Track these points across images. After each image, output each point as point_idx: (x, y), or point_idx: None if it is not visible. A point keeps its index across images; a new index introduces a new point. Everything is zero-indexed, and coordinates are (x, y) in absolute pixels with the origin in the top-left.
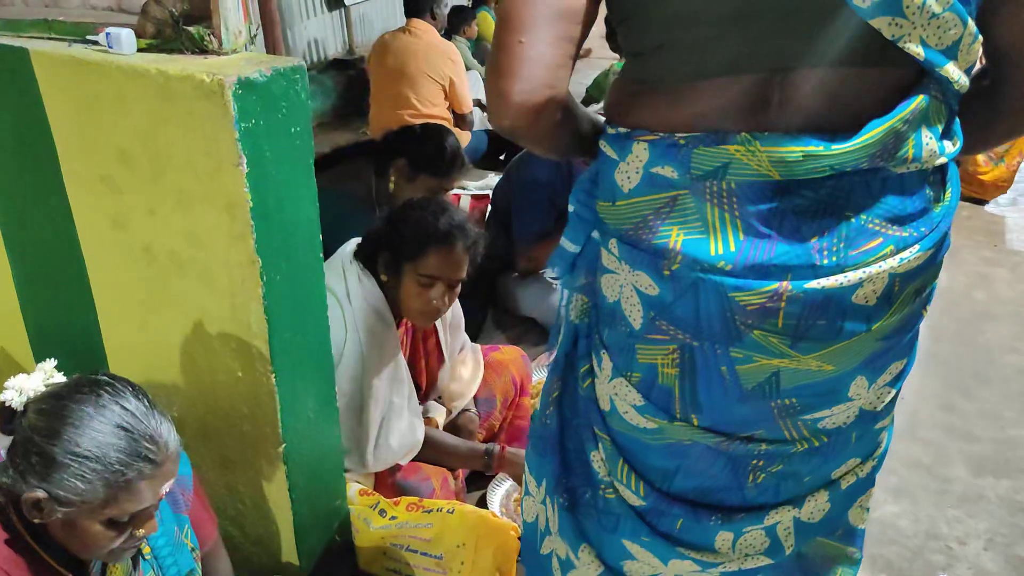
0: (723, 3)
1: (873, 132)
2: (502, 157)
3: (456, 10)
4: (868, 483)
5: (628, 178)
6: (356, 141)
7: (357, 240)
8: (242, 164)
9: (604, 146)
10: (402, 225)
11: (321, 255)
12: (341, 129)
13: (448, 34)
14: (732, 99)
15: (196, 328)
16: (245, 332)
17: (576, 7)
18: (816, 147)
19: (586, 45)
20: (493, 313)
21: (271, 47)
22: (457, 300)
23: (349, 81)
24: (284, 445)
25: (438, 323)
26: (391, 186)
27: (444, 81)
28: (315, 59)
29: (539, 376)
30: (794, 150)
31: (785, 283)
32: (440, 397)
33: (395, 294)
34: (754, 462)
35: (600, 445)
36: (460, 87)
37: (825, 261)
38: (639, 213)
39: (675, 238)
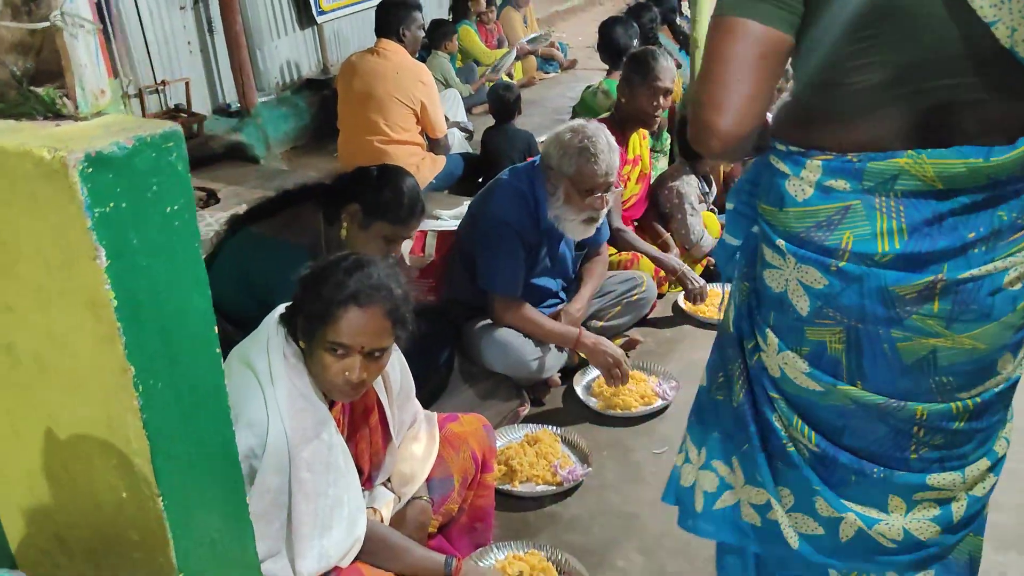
0: (902, 52)
1: None
2: (480, 180)
3: (436, 24)
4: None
5: (801, 190)
6: (303, 183)
7: (287, 304)
8: (99, 257)
9: (775, 161)
10: (312, 284)
11: (218, 351)
12: (315, 153)
13: (428, 48)
14: (901, 127)
15: (72, 441)
16: (125, 447)
17: (781, 49)
18: (976, 159)
19: (571, 56)
20: (460, 363)
21: (236, 70)
22: (404, 364)
23: (324, 102)
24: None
25: (382, 394)
26: (343, 234)
27: (415, 105)
28: (288, 79)
29: (508, 439)
30: (956, 162)
31: (941, 275)
32: (389, 480)
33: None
34: (915, 430)
35: (776, 406)
36: (432, 111)
37: (976, 251)
38: (813, 220)
39: (846, 240)
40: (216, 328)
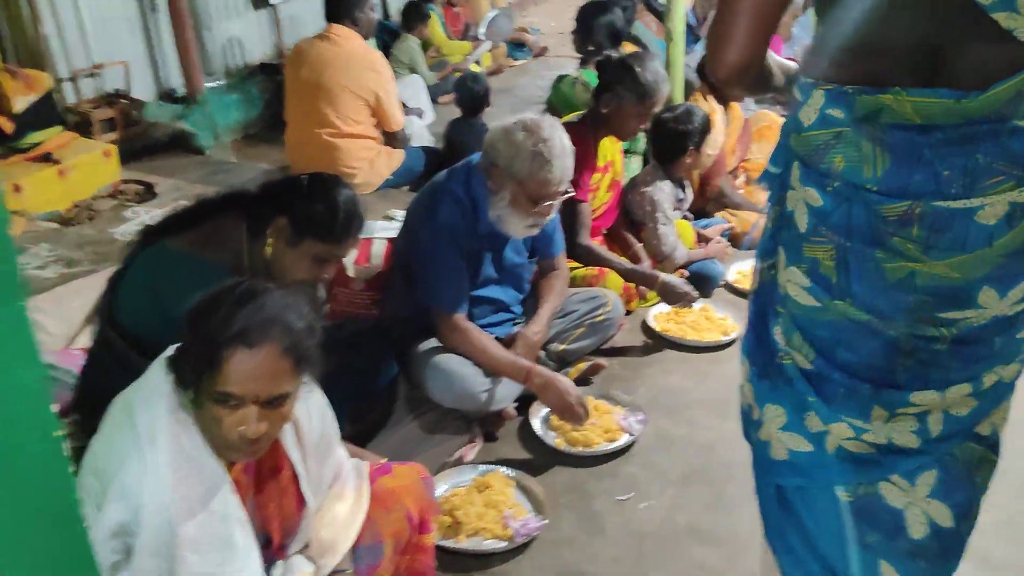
0: None
1: (998, 90)
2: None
3: (412, 6)
4: (1010, 388)
5: (807, 116)
6: (226, 192)
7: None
8: None
9: (795, 91)
10: (197, 321)
11: (58, 437)
12: (267, 143)
13: (396, 32)
14: (892, 63)
15: None
16: None
17: (782, 6)
18: (949, 99)
19: (542, 44)
20: (406, 389)
21: (182, 53)
22: (326, 407)
23: (277, 88)
24: None
25: (292, 448)
26: (267, 252)
27: (368, 96)
28: (238, 63)
29: (455, 482)
30: (932, 101)
31: (919, 201)
32: (308, 546)
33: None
34: (901, 344)
35: (780, 319)
36: (388, 102)
37: (953, 190)
38: (814, 143)
39: (838, 163)
40: (54, 407)
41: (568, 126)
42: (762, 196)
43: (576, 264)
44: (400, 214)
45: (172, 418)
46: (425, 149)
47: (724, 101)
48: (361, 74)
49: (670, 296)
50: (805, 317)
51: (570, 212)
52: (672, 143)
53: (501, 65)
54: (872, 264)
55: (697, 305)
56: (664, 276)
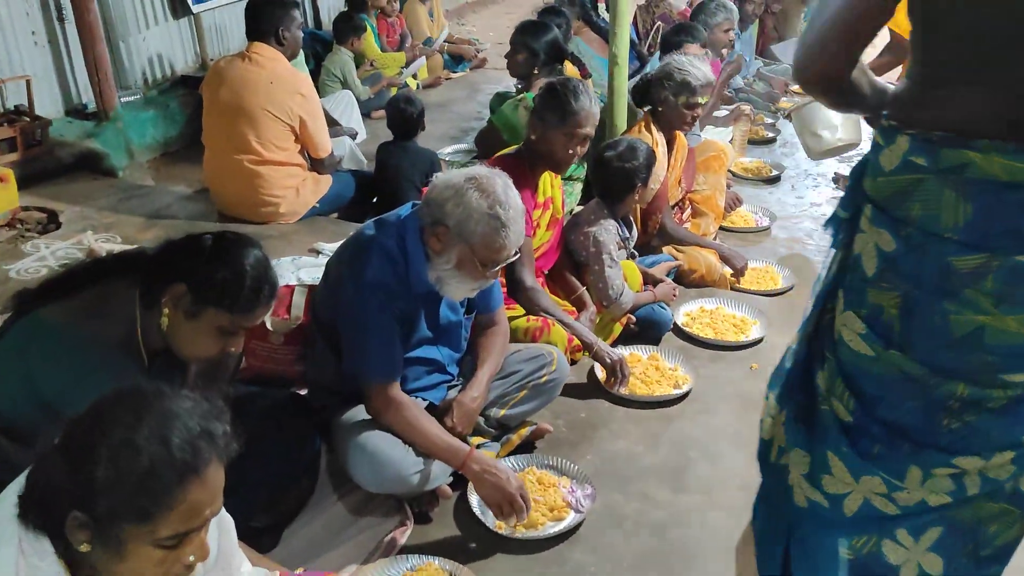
0: (997, 33)
1: None
2: (376, 201)
3: (344, 17)
4: None
5: (890, 161)
6: (118, 253)
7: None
8: None
9: (876, 135)
10: (86, 463)
11: None
12: (188, 162)
13: (329, 44)
14: (983, 113)
15: None
16: None
17: (875, 25)
18: None
19: (481, 55)
20: (329, 463)
21: (91, 67)
22: (223, 518)
23: (200, 102)
24: None
25: None
26: (163, 323)
27: (292, 120)
28: (158, 76)
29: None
30: (1022, 166)
31: (996, 254)
32: None
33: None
34: (951, 404)
35: (826, 365)
36: (314, 127)
37: None
38: (893, 188)
39: (916, 210)
40: None
41: (504, 160)
42: (710, 228)
43: (518, 312)
44: (328, 247)
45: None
46: (355, 173)
47: (668, 130)
48: (285, 97)
49: (603, 366)
50: (854, 365)
51: None
52: (617, 181)
53: (439, 77)
54: (939, 316)
55: (646, 353)
56: (599, 346)
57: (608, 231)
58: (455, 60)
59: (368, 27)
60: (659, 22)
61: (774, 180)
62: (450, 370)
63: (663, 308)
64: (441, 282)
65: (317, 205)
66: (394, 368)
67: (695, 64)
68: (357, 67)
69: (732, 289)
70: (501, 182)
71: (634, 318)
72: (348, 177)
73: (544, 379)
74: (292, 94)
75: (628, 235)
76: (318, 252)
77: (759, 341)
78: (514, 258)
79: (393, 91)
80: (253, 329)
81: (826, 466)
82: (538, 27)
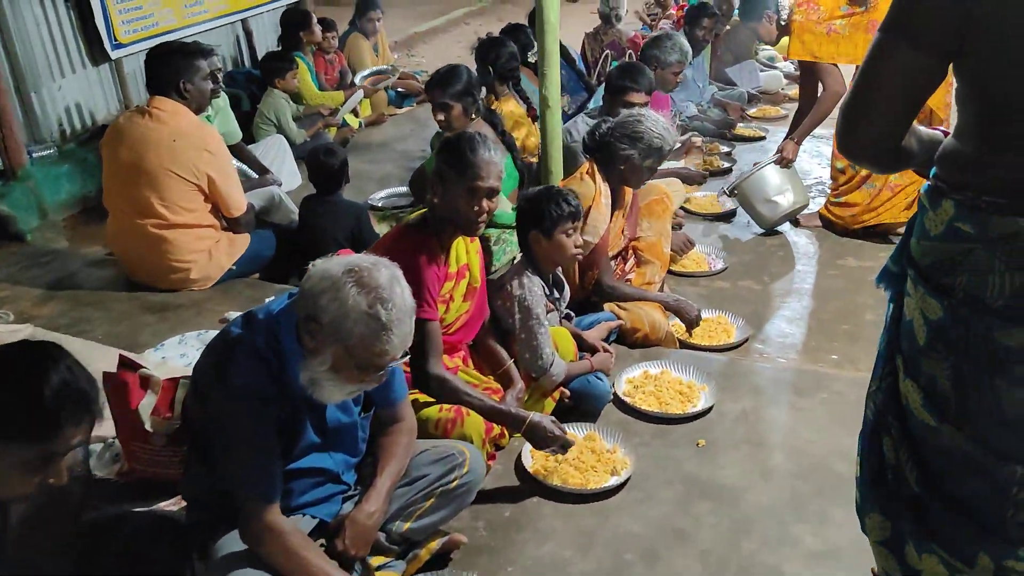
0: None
1: None
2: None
3: (271, 57)
4: None
5: (935, 226)
6: None
7: None
8: None
9: (922, 195)
10: None
11: None
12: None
13: (263, 85)
14: None
15: None
16: None
17: (923, 74)
18: None
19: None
20: None
21: None
22: None
23: None
24: None
25: None
26: None
27: (199, 179)
28: (77, 127)
29: None
30: None
31: None
32: None
33: None
34: (1014, 491)
35: (892, 431)
36: (225, 185)
37: None
38: (938, 255)
39: (961, 280)
40: None
41: (407, 232)
42: (656, 278)
43: (428, 398)
44: (233, 316)
45: None
46: (276, 229)
47: (617, 183)
48: (190, 155)
49: (538, 441)
50: (918, 435)
51: (417, 335)
52: (544, 223)
53: (382, 115)
54: (990, 392)
55: (582, 432)
56: (533, 418)
57: (534, 292)
58: (400, 96)
59: (303, 65)
60: (608, 50)
61: (729, 216)
62: (345, 478)
63: (600, 379)
64: (315, 384)
65: (233, 267)
66: (271, 487)
67: (668, 129)
68: (297, 107)
69: (682, 346)
70: (387, 274)
71: (568, 391)
72: (268, 234)
73: (455, 484)
74: (198, 151)
75: (558, 295)
76: (227, 321)
77: (707, 411)
78: (400, 361)
79: (332, 132)
80: (132, 430)
81: (903, 538)
82: (453, 76)
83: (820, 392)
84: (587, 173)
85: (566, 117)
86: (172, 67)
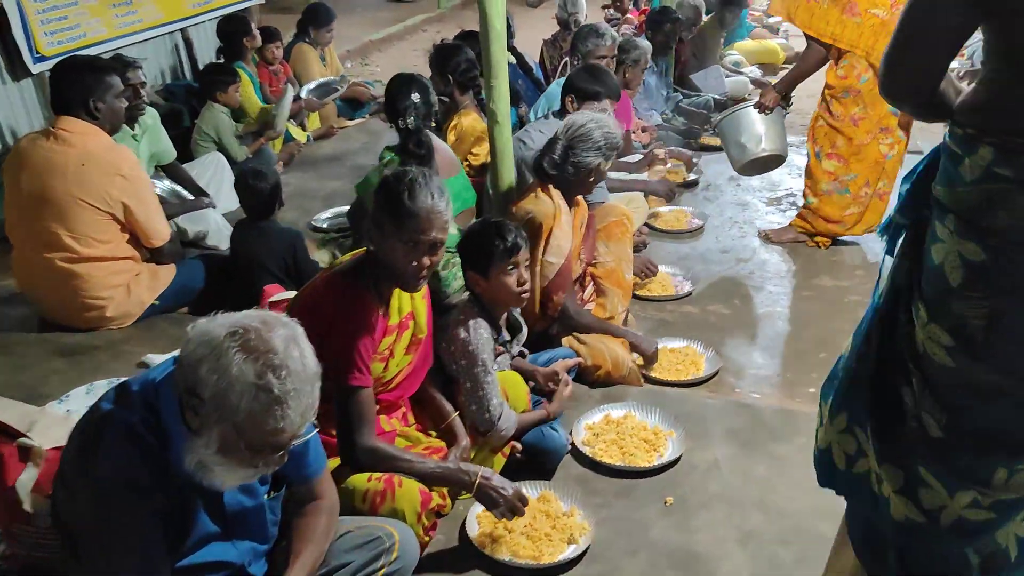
0: None
1: None
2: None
3: (209, 69)
4: None
5: (971, 172)
6: None
7: None
8: None
9: (952, 144)
10: None
11: None
12: None
13: (203, 98)
14: None
15: None
16: None
17: (958, 39)
18: None
19: (381, 98)
20: None
21: None
22: None
23: None
24: None
25: None
26: None
27: (112, 208)
28: None
29: None
30: None
31: None
32: None
33: None
34: None
35: (913, 380)
36: (143, 212)
37: None
38: (975, 198)
39: (1002, 220)
40: None
41: (340, 279)
42: (617, 308)
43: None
44: (156, 359)
45: None
46: (206, 258)
47: (569, 195)
48: (101, 181)
49: (488, 503)
50: (942, 378)
51: (344, 402)
52: (480, 263)
53: (332, 127)
54: None
55: (535, 491)
56: (483, 473)
57: (480, 336)
58: (351, 106)
59: (245, 77)
60: (567, 57)
61: (697, 233)
62: (253, 570)
63: (556, 430)
64: (203, 469)
65: (156, 303)
66: None
67: (610, 119)
68: (238, 122)
69: (647, 381)
70: (283, 335)
71: (519, 445)
72: (196, 264)
73: (382, 571)
74: (109, 176)
75: (509, 338)
76: (147, 367)
77: (675, 462)
78: (303, 439)
79: (277, 146)
80: (10, 509)
81: (921, 480)
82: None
83: (798, 436)
84: (542, 190)
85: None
86: (80, 83)
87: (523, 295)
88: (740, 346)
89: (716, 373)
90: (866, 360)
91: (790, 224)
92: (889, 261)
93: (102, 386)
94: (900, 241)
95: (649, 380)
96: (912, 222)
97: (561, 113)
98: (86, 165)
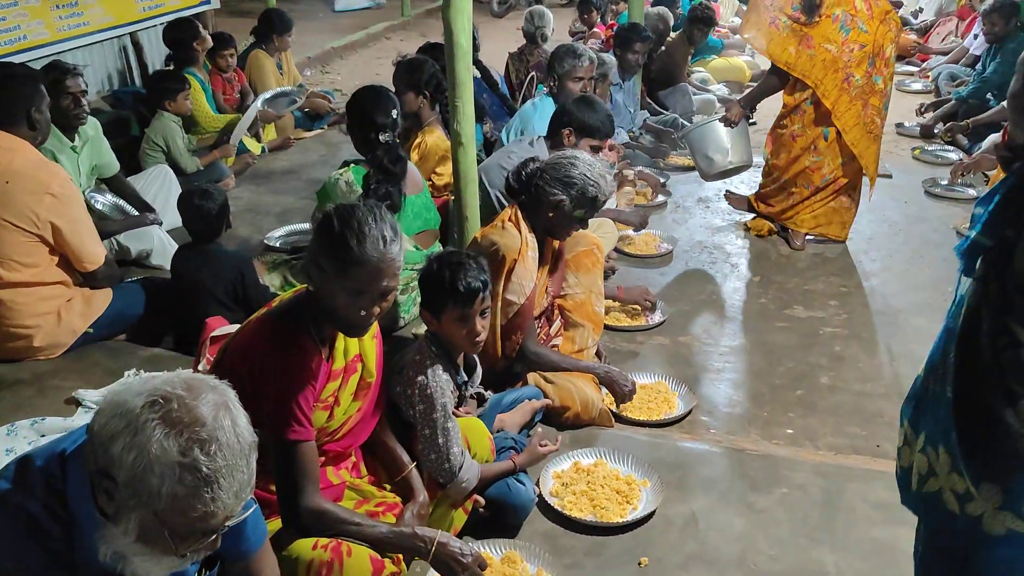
0: None
1: None
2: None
3: (157, 77)
4: None
5: None
6: None
7: None
8: None
9: None
10: None
11: None
12: None
13: (152, 107)
14: None
15: None
16: None
17: None
18: None
19: (341, 110)
20: None
21: None
22: None
23: None
24: None
25: None
26: None
27: (40, 229)
28: None
29: None
30: None
31: None
32: None
33: None
34: None
35: (1020, 403)
36: (73, 233)
37: None
38: None
39: None
40: None
41: (277, 321)
42: (588, 343)
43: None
44: (93, 397)
45: None
46: (146, 282)
47: (542, 232)
48: (26, 200)
49: (445, 572)
50: None
51: (284, 458)
52: (433, 302)
53: (288, 138)
54: None
55: (498, 552)
56: (439, 539)
57: (439, 378)
58: (309, 117)
59: (197, 84)
60: (534, 71)
61: (666, 256)
62: None
63: (522, 483)
64: (122, 560)
65: (90, 330)
66: None
67: (605, 176)
68: (189, 132)
69: (618, 420)
70: (211, 401)
71: (482, 499)
72: (134, 288)
73: None
74: (37, 195)
75: (467, 378)
76: (79, 403)
77: (649, 517)
78: (237, 519)
79: (229, 161)
80: None
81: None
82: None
83: (779, 486)
84: (510, 220)
85: (488, 145)
86: (18, 94)
87: (477, 343)
88: (714, 382)
89: (690, 412)
90: (941, 379)
91: (747, 196)
92: (966, 282)
93: (24, 427)
94: (978, 262)
95: (620, 420)
96: (996, 243)
97: (556, 145)
98: (11, 183)
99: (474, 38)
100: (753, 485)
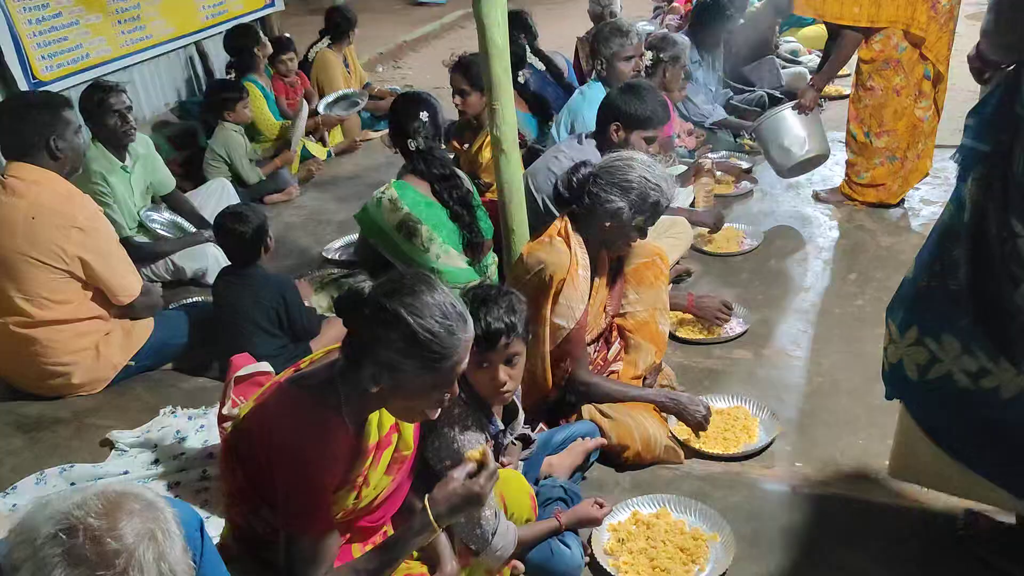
0: None
1: None
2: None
3: (217, 87)
4: None
5: None
6: None
7: None
8: None
9: None
10: None
11: None
12: None
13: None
14: None
15: None
16: None
17: None
18: None
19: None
20: None
21: None
22: None
23: None
24: None
25: None
26: None
27: (68, 264)
28: None
29: None
30: None
31: None
32: None
33: None
34: None
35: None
36: (104, 268)
37: None
38: None
39: None
40: None
41: (303, 400)
42: (648, 366)
43: None
44: (127, 438)
45: None
46: (190, 309)
47: (596, 247)
48: (53, 235)
49: None
50: None
51: (292, 551)
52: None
53: (355, 141)
54: None
55: None
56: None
57: (469, 429)
58: (376, 117)
59: (257, 91)
60: None
61: (750, 254)
62: None
63: (567, 545)
64: None
65: (132, 363)
66: None
67: (667, 179)
68: (253, 141)
69: (689, 455)
70: (133, 529)
71: (521, 566)
72: (178, 316)
73: None
74: (63, 230)
75: (502, 427)
76: (112, 445)
77: None
78: None
79: (294, 168)
80: None
81: None
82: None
83: (875, 540)
84: (559, 234)
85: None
86: (33, 122)
87: (502, 395)
88: (801, 405)
89: (772, 442)
90: (940, 275)
91: (839, 187)
92: (963, 185)
93: (54, 475)
94: (977, 165)
95: (691, 453)
96: (993, 148)
97: (603, 142)
98: (36, 218)
99: (530, 26)
100: (846, 540)
